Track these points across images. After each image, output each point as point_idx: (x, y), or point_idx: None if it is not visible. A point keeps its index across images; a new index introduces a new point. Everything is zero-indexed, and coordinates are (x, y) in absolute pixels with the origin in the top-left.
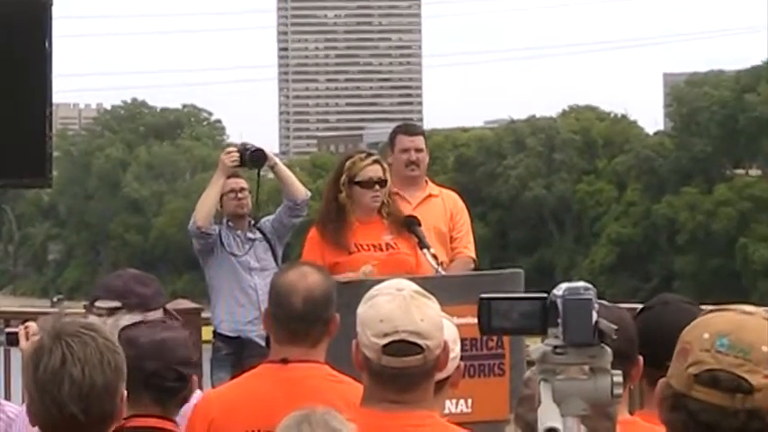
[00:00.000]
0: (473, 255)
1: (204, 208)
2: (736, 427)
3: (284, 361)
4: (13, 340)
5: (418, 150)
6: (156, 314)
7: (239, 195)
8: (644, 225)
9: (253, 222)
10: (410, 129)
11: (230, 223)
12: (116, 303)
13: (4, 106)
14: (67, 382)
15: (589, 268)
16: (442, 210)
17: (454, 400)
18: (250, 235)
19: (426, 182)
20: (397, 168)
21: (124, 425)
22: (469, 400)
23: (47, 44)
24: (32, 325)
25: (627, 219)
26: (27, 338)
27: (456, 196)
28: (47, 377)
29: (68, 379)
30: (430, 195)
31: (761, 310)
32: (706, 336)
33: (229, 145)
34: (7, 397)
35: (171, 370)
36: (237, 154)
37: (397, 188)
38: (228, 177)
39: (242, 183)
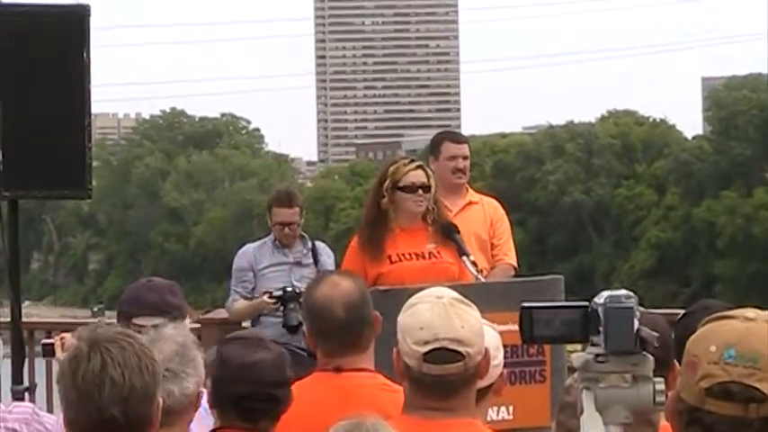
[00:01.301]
0: (514, 262)
1: (238, 318)
2: None
3: (337, 369)
4: (48, 351)
5: (465, 158)
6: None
7: (286, 230)
8: (683, 229)
9: (311, 246)
10: (457, 136)
11: (277, 242)
12: (159, 320)
13: (44, 117)
14: (108, 385)
15: (628, 273)
16: (483, 217)
17: (495, 407)
18: (301, 259)
19: (467, 189)
20: (441, 175)
21: None
22: (510, 407)
23: (85, 54)
24: (68, 336)
25: (666, 223)
26: (63, 349)
27: (496, 203)
28: (87, 381)
29: (109, 382)
30: (470, 203)
31: (762, 313)
32: (713, 348)
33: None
34: (50, 409)
35: (261, 393)
36: (279, 304)
37: (439, 195)
38: (280, 206)
39: (292, 217)
